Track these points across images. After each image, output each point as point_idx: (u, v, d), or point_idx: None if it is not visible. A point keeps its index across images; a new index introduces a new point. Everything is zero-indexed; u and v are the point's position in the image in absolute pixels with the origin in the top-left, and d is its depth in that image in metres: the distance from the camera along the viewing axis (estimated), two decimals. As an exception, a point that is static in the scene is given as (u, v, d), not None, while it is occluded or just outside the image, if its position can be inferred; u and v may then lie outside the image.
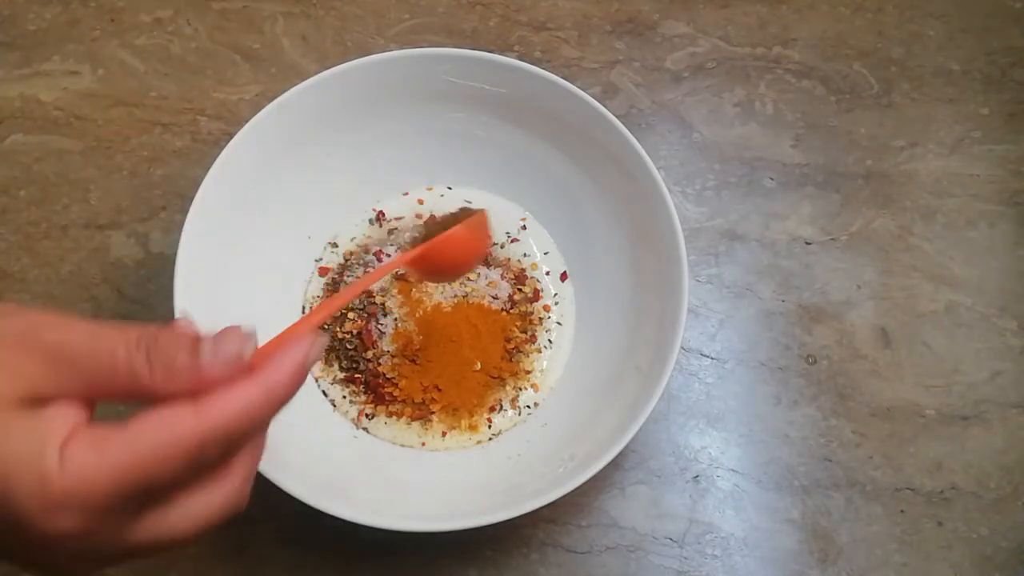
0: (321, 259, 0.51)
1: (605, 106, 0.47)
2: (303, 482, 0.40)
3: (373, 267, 0.51)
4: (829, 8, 0.62)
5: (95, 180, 0.55)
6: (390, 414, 0.47)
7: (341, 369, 0.48)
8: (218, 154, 0.45)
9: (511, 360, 0.49)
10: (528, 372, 0.49)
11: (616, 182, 0.48)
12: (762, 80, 0.59)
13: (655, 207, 0.46)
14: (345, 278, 0.50)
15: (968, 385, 0.51)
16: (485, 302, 0.50)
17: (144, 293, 0.52)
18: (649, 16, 0.61)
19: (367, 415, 0.47)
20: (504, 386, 0.48)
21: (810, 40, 0.61)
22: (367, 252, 0.51)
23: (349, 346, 0.48)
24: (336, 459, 0.45)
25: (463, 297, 0.49)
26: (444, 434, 0.47)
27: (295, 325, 0.30)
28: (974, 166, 0.57)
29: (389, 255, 0.51)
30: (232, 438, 0.25)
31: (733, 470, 0.49)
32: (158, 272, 0.52)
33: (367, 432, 0.47)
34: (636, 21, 0.61)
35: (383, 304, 0.49)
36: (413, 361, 0.48)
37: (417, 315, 0.48)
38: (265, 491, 0.39)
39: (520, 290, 0.51)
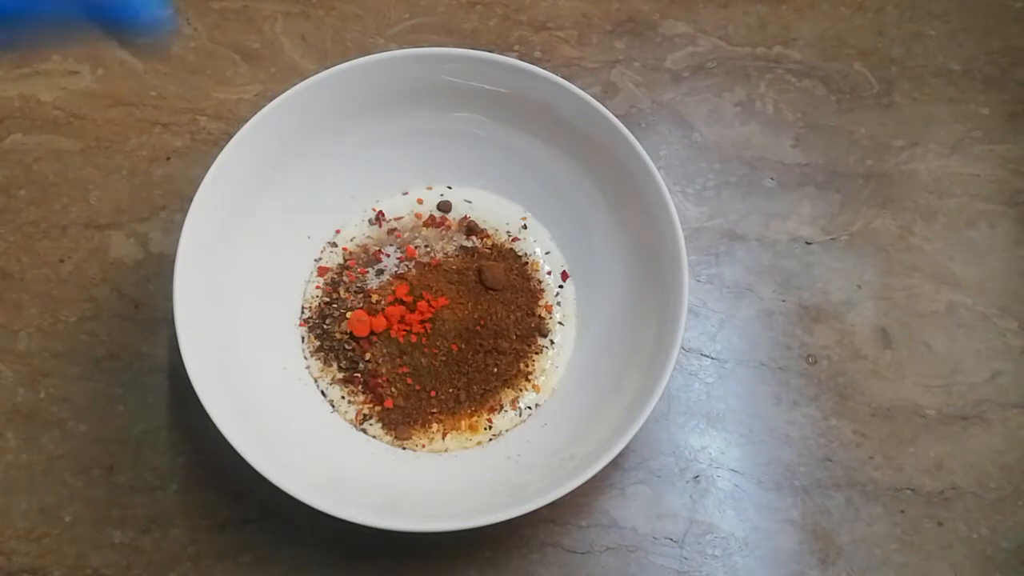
0: (321, 259, 0.51)
1: (605, 106, 0.47)
2: (303, 482, 0.40)
3: (373, 267, 0.51)
4: (829, 8, 0.62)
5: (95, 180, 0.54)
6: (389, 414, 0.47)
7: (340, 369, 0.48)
8: (218, 154, 0.45)
9: (512, 360, 0.49)
10: (529, 372, 0.49)
11: (616, 182, 0.48)
12: (762, 80, 0.59)
13: (655, 207, 0.46)
14: (344, 278, 0.50)
15: (968, 385, 0.51)
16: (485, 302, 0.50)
17: (144, 293, 0.52)
18: (649, 16, 0.61)
19: (366, 415, 0.47)
20: (504, 386, 0.48)
21: (810, 40, 0.61)
22: (367, 252, 0.51)
23: (348, 346, 0.48)
24: (335, 459, 0.45)
25: (463, 296, 0.49)
26: (444, 435, 0.47)
27: None
28: (974, 166, 0.57)
29: (388, 255, 0.51)
30: None
31: (733, 470, 0.49)
32: (158, 272, 0.52)
33: (366, 433, 0.47)
34: (636, 21, 0.61)
35: (382, 304, 0.49)
36: (412, 362, 0.48)
37: (417, 315, 0.48)
38: (265, 491, 0.39)
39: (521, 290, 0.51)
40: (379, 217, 0.53)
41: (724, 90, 0.59)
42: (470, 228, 0.52)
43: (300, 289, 0.51)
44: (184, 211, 0.44)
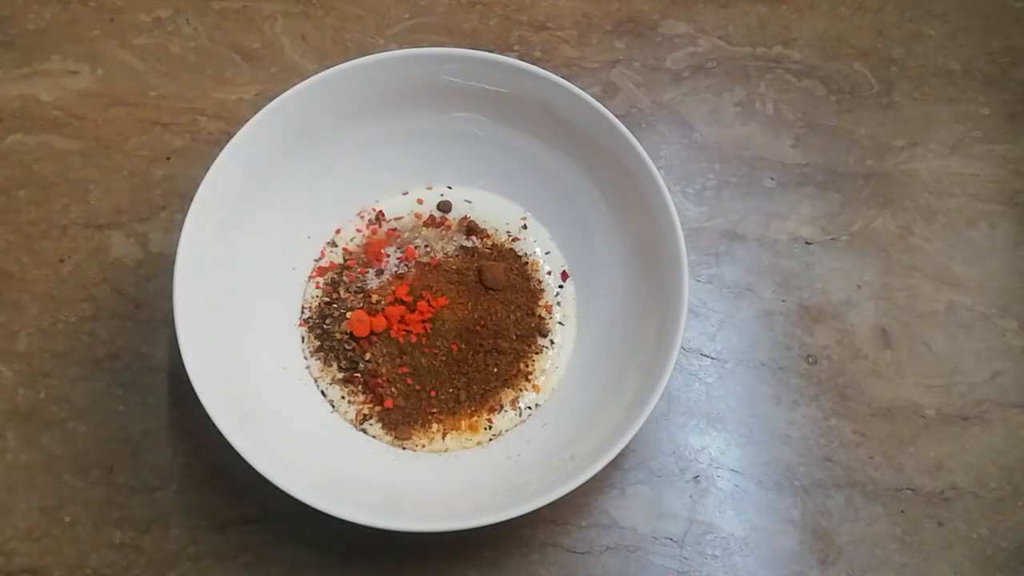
0: (321, 259, 0.51)
1: (605, 106, 0.47)
2: (303, 482, 0.40)
3: (373, 267, 0.51)
4: (829, 7, 0.62)
5: (95, 180, 0.54)
6: (389, 414, 0.47)
7: (340, 369, 0.48)
8: (218, 154, 0.45)
9: (512, 360, 0.49)
10: (529, 372, 0.49)
11: (616, 182, 0.48)
12: (762, 80, 0.59)
13: (655, 207, 0.46)
14: (344, 278, 0.50)
15: (968, 385, 0.51)
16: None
17: (144, 293, 0.52)
18: (649, 16, 0.61)
19: (365, 415, 0.47)
20: (504, 387, 0.48)
21: (810, 40, 0.61)
22: (367, 252, 0.51)
23: (348, 346, 0.48)
24: (335, 459, 0.45)
25: (463, 296, 0.49)
26: (444, 435, 0.47)
27: None
28: (974, 166, 0.57)
29: (388, 255, 0.51)
30: None
31: (733, 470, 0.49)
32: (158, 272, 0.52)
33: (366, 433, 0.47)
34: (636, 21, 0.61)
35: (382, 304, 0.49)
36: (412, 362, 0.48)
37: (417, 315, 0.48)
38: (265, 491, 0.39)
39: (521, 291, 0.51)
40: (379, 217, 0.53)
41: (724, 90, 0.59)
42: (470, 228, 0.52)
43: (300, 289, 0.51)
44: (184, 211, 0.44)
